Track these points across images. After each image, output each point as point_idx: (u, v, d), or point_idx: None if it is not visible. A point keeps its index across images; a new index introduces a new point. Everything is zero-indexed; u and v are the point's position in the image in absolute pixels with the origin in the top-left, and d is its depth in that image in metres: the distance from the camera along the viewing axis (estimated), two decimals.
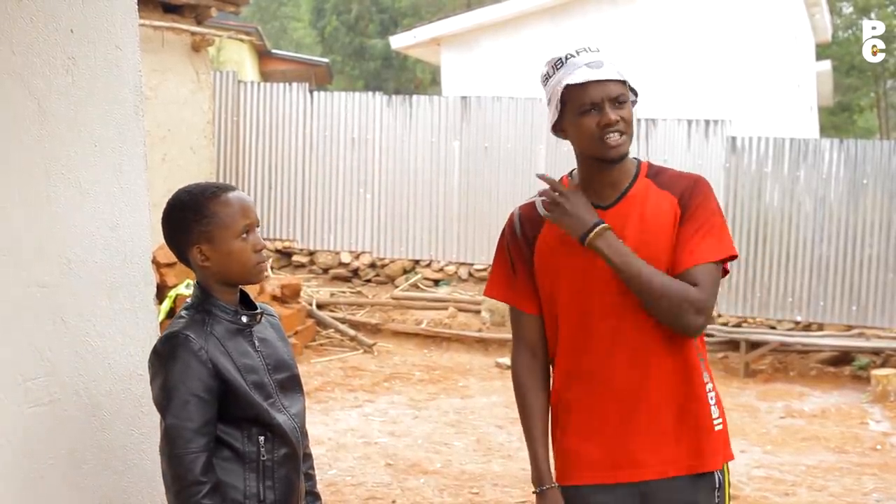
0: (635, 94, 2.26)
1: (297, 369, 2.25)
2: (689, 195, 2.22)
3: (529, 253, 2.32)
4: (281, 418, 2.11)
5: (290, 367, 2.21)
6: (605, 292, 2.21)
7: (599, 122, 2.15)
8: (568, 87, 2.16)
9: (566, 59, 2.19)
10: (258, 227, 2.16)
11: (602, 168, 2.23)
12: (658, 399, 2.20)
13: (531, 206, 2.34)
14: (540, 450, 2.31)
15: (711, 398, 2.25)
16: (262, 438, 2.08)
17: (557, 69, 2.20)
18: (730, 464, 2.31)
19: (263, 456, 2.09)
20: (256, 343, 2.15)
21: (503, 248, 2.37)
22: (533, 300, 2.33)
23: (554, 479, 2.30)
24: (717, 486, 2.24)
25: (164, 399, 2.02)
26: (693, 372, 2.23)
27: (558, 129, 2.25)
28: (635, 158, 2.31)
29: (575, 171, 2.32)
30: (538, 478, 2.30)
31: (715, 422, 2.25)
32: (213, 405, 2.03)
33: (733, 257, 2.23)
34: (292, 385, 2.21)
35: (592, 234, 2.15)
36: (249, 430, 2.08)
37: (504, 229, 2.38)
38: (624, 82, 2.17)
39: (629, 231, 2.21)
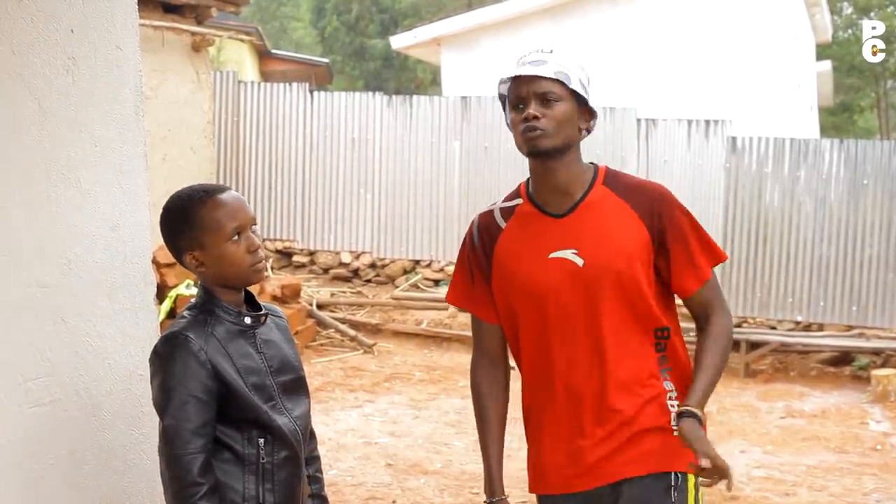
0: (585, 105, 2.19)
1: (302, 371, 2.23)
2: (660, 217, 2.19)
3: (487, 263, 2.29)
4: (282, 421, 2.10)
5: (294, 370, 2.19)
6: (560, 303, 2.19)
7: (524, 116, 2.15)
8: (502, 80, 2.19)
9: (521, 58, 2.21)
10: (254, 225, 2.12)
11: (542, 170, 2.21)
12: (612, 406, 2.18)
13: (489, 214, 2.33)
14: (493, 461, 2.33)
15: (673, 406, 2.21)
16: (261, 441, 2.07)
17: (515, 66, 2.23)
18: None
19: (263, 458, 2.07)
20: (259, 344, 2.13)
21: (463, 256, 2.36)
22: (491, 309, 2.32)
23: (503, 492, 2.31)
24: (674, 484, 2.19)
25: (163, 399, 2.01)
26: (651, 379, 2.21)
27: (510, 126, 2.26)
28: (592, 164, 2.28)
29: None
30: (489, 488, 2.32)
31: (675, 427, 2.20)
32: (212, 406, 2.02)
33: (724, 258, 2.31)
34: (296, 387, 2.19)
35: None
36: (249, 433, 2.06)
37: (465, 238, 2.37)
38: (560, 83, 2.14)
39: (586, 242, 2.18)
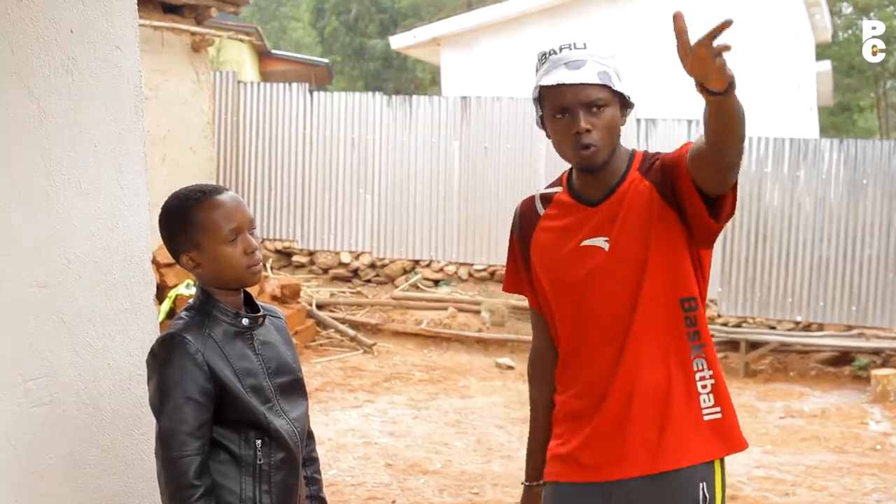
0: (625, 99, 2.13)
1: (300, 373, 2.22)
2: (659, 166, 2.12)
3: (526, 251, 2.30)
4: (279, 423, 2.09)
5: (292, 371, 2.19)
6: (590, 290, 2.16)
7: (571, 129, 2.07)
8: (542, 87, 2.10)
9: (549, 54, 2.11)
10: (252, 226, 2.11)
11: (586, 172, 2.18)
12: (637, 396, 2.11)
13: (531, 200, 2.33)
14: (532, 444, 2.31)
15: (704, 387, 2.13)
16: (259, 442, 2.06)
17: (542, 64, 2.13)
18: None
19: (260, 460, 2.07)
20: (257, 346, 2.12)
21: (511, 245, 2.37)
22: (535, 296, 2.32)
23: (539, 478, 2.28)
24: (702, 500, 2.10)
25: (160, 401, 2.01)
26: (681, 358, 2.13)
27: (541, 125, 2.21)
28: (630, 150, 2.22)
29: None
30: (526, 473, 2.31)
31: (705, 412, 2.13)
32: (209, 408, 2.01)
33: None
34: (294, 389, 2.18)
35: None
36: (247, 434, 2.06)
37: (511, 226, 2.38)
38: (604, 86, 2.07)
39: (615, 229, 2.14)
